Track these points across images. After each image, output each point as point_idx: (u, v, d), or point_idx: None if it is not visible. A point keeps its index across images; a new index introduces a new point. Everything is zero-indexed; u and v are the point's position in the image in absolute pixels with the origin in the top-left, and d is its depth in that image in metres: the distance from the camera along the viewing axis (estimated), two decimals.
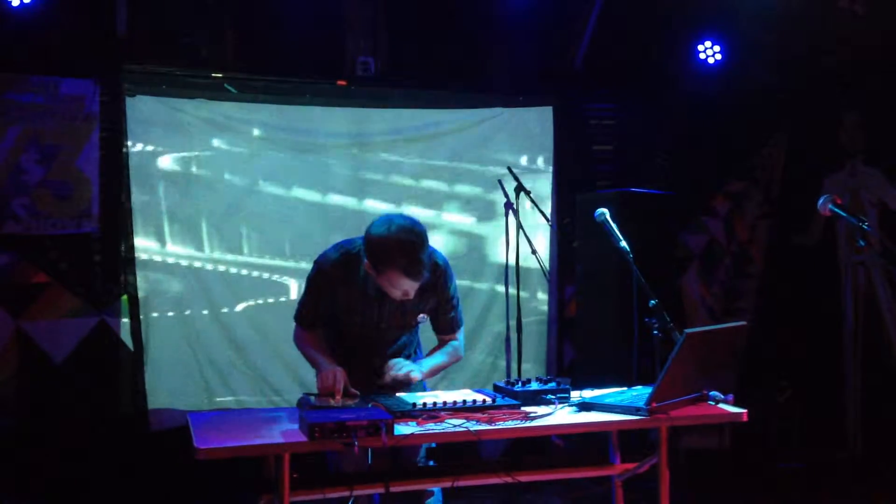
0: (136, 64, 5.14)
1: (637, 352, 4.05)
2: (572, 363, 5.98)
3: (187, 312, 5.26)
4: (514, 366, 4.58)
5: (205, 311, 5.28)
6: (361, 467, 3.24)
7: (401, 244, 3.12)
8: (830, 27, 5.78)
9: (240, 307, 5.35)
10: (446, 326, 3.55)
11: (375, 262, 3.17)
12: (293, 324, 3.53)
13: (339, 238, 3.96)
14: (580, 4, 5.84)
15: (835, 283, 6.36)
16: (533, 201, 4.58)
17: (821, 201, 3.35)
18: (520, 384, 3.27)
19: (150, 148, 5.20)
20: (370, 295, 3.34)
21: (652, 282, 3.43)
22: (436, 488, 3.42)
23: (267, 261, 5.42)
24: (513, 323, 4.60)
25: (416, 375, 3.35)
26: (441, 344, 3.58)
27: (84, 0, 5.10)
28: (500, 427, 2.92)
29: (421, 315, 3.47)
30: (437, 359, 3.52)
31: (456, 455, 3.76)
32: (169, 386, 5.19)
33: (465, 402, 3.08)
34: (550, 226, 5.23)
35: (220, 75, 5.34)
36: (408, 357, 3.54)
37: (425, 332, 3.64)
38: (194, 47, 5.30)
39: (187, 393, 5.23)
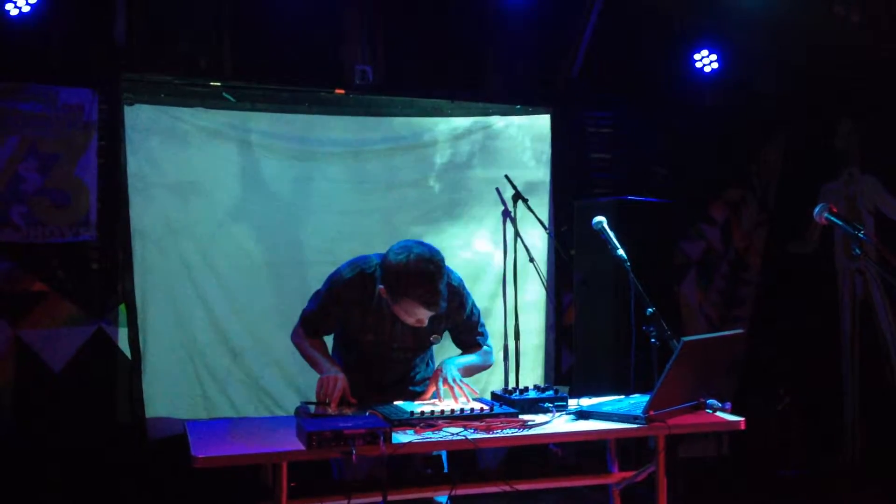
0: (135, 73, 5.13)
1: (635, 360, 4.04)
2: (570, 371, 5.98)
3: (185, 321, 5.24)
4: (511, 374, 4.58)
5: (203, 320, 5.27)
6: (360, 475, 3.24)
7: (419, 275, 3.08)
8: (826, 35, 5.80)
9: (238, 316, 5.34)
10: (470, 342, 3.54)
11: (392, 290, 3.14)
12: (291, 332, 3.53)
13: (337, 246, 3.99)
14: (577, 13, 5.85)
15: (832, 290, 6.38)
16: (530, 209, 4.59)
17: (817, 210, 3.36)
18: (517, 392, 3.27)
19: (148, 156, 5.19)
20: (384, 315, 3.31)
21: (649, 289, 3.44)
22: (442, 498, 3.41)
23: (265, 269, 5.40)
24: (511, 327, 4.60)
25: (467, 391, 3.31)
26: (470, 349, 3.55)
27: (83, 9, 5.10)
28: (498, 435, 2.92)
29: (434, 336, 3.44)
30: (472, 359, 3.49)
31: (454, 464, 3.75)
32: (167, 394, 5.18)
33: (462, 410, 3.08)
34: (548, 234, 5.24)
35: (218, 84, 5.34)
36: (416, 375, 3.53)
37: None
38: (193, 56, 5.29)
39: (185, 401, 5.21)
